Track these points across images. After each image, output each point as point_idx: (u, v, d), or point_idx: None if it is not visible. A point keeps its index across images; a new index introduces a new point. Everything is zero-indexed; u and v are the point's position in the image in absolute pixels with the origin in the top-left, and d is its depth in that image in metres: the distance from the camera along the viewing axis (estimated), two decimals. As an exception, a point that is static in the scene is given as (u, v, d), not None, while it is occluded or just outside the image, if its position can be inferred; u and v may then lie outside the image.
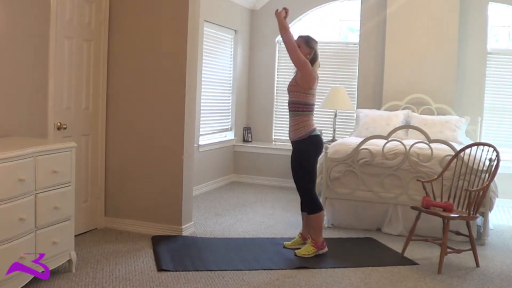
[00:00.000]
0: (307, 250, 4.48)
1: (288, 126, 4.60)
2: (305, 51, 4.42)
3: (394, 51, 7.13)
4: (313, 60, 4.47)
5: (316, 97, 7.62)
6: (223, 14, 7.30)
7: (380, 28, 7.33)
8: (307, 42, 4.47)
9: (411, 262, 4.47)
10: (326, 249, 4.56)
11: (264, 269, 4.16)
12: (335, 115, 7.29)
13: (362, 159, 5.39)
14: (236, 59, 7.76)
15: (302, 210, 4.73)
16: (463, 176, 4.76)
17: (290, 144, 4.63)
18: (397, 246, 4.86)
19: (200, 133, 6.85)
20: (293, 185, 7.29)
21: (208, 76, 7.05)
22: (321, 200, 5.49)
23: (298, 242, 4.68)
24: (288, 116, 4.56)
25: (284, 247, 4.68)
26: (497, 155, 4.48)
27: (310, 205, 4.52)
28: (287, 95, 4.55)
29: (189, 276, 3.95)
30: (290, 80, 4.63)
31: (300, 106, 4.43)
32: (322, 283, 3.94)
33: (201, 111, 6.79)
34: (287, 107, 4.56)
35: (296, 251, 4.53)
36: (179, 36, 4.83)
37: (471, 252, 4.46)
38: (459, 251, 4.44)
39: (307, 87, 4.40)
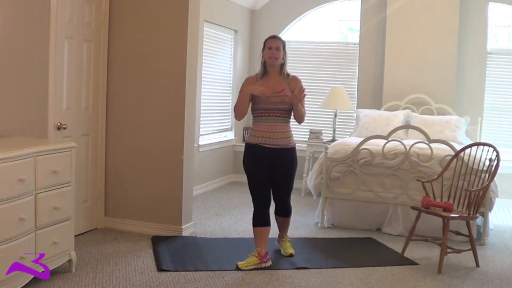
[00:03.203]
0: (291, 246, 4.54)
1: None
2: (282, 54, 4.25)
3: (394, 51, 7.13)
4: (284, 63, 4.30)
5: (316, 97, 7.74)
6: (223, 14, 7.30)
7: (380, 28, 7.33)
8: (284, 46, 4.28)
9: (411, 262, 4.46)
10: None
11: (264, 269, 4.16)
12: (335, 115, 7.29)
13: (362, 159, 5.39)
14: (236, 59, 7.75)
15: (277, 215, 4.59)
16: (463, 176, 4.76)
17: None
18: (397, 246, 4.86)
19: (200, 133, 6.85)
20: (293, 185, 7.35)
21: (208, 76, 7.05)
22: (321, 200, 5.54)
23: (286, 246, 4.59)
24: (275, 121, 4.21)
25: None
26: (497, 155, 4.48)
27: (289, 208, 4.54)
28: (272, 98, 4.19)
29: (189, 276, 3.95)
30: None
31: (290, 114, 4.30)
32: (322, 283, 3.93)
33: (201, 111, 6.79)
34: (269, 111, 4.21)
35: (285, 251, 4.51)
36: (179, 36, 4.83)
37: (471, 252, 4.46)
38: (459, 251, 4.44)
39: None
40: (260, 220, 4.30)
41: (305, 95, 4.16)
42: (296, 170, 4.42)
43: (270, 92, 4.17)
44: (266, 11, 7.98)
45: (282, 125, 4.24)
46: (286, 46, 4.33)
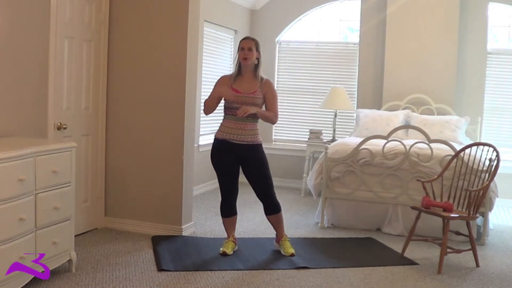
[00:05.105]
0: (291, 246, 4.53)
1: (262, 126, 4.49)
2: (255, 55, 4.40)
3: (394, 51, 7.12)
4: (258, 64, 4.45)
5: (316, 97, 7.73)
6: (223, 14, 7.30)
7: (380, 28, 7.33)
8: (257, 47, 4.43)
9: (411, 262, 4.47)
10: None
11: (264, 269, 4.16)
12: (335, 115, 7.28)
13: (362, 159, 5.39)
14: (236, 59, 7.73)
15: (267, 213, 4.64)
16: (463, 176, 4.76)
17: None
18: (397, 246, 4.86)
19: (200, 133, 6.85)
20: (293, 185, 7.38)
21: (208, 76, 7.04)
22: (321, 200, 5.54)
23: (286, 246, 4.58)
24: (244, 121, 4.37)
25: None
26: (497, 155, 4.48)
27: (277, 204, 4.57)
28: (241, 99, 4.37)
29: (189, 276, 3.95)
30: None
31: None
32: (322, 283, 3.94)
33: (201, 111, 6.78)
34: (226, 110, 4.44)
35: (286, 251, 4.51)
36: (179, 36, 4.84)
37: (471, 252, 4.46)
38: (459, 251, 4.44)
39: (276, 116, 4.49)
40: (226, 211, 4.62)
41: (248, 112, 4.24)
42: (268, 166, 4.49)
43: (234, 98, 4.32)
44: (266, 11, 7.98)
45: (250, 124, 4.42)
46: (261, 47, 4.48)
